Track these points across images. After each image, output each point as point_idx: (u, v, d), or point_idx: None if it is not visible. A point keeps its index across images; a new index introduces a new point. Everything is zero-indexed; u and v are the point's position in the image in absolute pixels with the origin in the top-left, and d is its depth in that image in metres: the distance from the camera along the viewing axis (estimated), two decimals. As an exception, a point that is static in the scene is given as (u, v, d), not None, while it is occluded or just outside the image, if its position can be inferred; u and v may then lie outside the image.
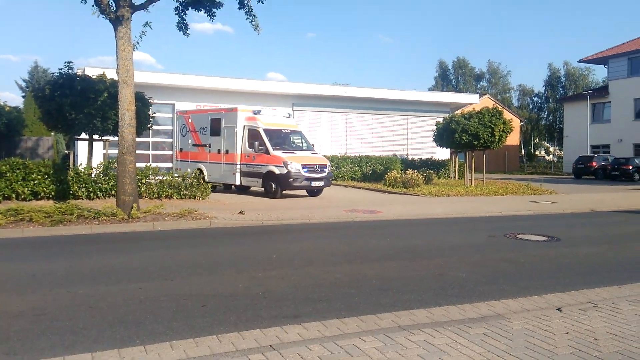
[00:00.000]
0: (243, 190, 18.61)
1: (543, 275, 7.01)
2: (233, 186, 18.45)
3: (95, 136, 15.55)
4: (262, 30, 12.53)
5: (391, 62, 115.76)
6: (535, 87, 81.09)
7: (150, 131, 22.75)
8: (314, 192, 17.57)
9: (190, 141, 19.90)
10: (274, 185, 16.54)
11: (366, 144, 30.00)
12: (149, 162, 24.58)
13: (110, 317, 4.94)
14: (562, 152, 50.56)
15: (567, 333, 4.49)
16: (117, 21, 10.92)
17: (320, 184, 17.14)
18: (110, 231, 10.04)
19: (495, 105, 24.44)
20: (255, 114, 17.78)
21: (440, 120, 23.57)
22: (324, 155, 20.13)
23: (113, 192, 14.22)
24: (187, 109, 20.99)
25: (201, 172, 18.68)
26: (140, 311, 5.12)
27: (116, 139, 12.10)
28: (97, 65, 30.32)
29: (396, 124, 31.13)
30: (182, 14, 12.45)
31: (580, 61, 48.04)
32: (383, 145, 30.26)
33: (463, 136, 20.75)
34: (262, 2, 12.10)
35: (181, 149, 20.53)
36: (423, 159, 28.56)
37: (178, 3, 12.24)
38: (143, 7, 11.50)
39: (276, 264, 7.33)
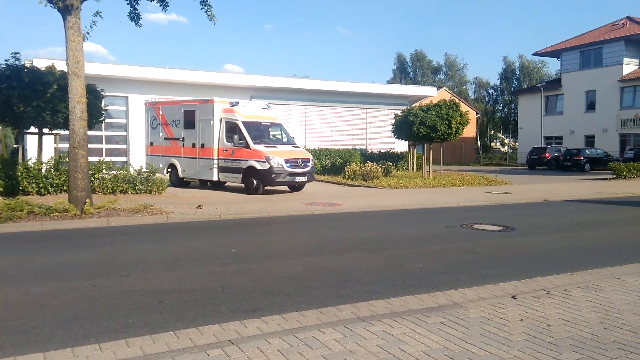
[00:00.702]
0: (219, 186, 17.79)
1: (499, 264, 7.17)
2: (209, 182, 17.68)
3: (45, 130, 14.93)
4: (218, 20, 12.29)
5: (350, 55, 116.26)
6: (491, 79, 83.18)
7: (104, 124, 22.10)
8: (295, 188, 16.86)
9: (161, 134, 18.63)
10: (255, 182, 15.70)
11: (325, 137, 30.02)
12: (102, 156, 23.85)
13: (63, 315, 4.75)
14: (517, 144, 52.12)
15: (522, 320, 4.60)
16: (65, 10, 10.46)
17: (304, 179, 16.36)
18: (62, 228, 9.67)
19: (452, 98, 24.90)
20: (233, 105, 16.79)
21: (399, 112, 23.81)
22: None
23: (65, 188, 13.68)
24: (157, 100, 19.70)
25: (174, 167, 17.98)
26: (94, 309, 4.94)
27: (67, 132, 11.64)
28: (46, 56, 29.11)
29: (355, 116, 31.28)
30: (134, 3, 12.07)
31: (534, 54, 49.42)
32: (342, 138, 30.36)
33: (421, 128, 21.03)
34: (219, -8, 11.83)
35: (151, 143, 19.18)
36: (382, 151, 28.80)
37: (130, -9, 11.84)
38: (93, -5, 11.05)
39: (235, 258, 7.22)
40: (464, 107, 31.52)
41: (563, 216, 12.46)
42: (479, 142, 62.28)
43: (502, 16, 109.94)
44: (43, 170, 14.25)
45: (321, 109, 30.36)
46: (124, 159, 25.34)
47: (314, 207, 12.85)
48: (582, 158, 33.10)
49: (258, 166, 15.54)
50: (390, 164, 25.20)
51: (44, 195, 13.83)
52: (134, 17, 12.29)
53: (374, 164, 22.09)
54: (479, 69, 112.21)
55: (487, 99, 77.32)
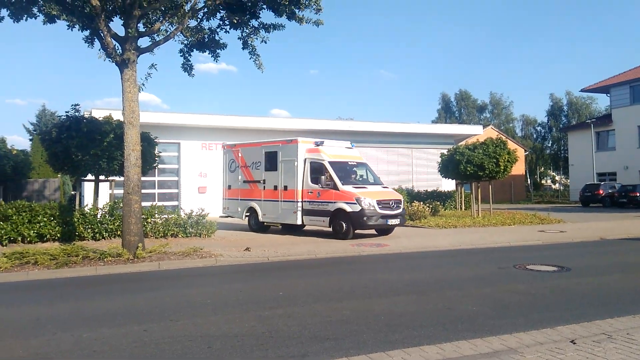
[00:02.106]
0: (298, 230, 16.99)
1: (555, 306, 6.86)
2: (293, 225, 16.59)
3: (101, 177, 15.67)
4: (266, 68, 12.75)
5: (394, 97, 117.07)
6: (538, 117, 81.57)
7: (156, 170, 22.98)
8: (384, 231, 15.79)
9: (240, 177, 17.87)
10: (344, 225, 14.74)
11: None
12: (155, 201, 24.67)
13: (114, 360, 4.86)
14: (569, 181, 50.34)
15: (583, 367, 4.36)
16: (123, 64, 11.15)
17: (396, 221, 15.31)
18: (115, 272, 9.98)
19: (499, 136, 24.53)
20: (318, 145, 16.03)
21: (445, 151, 23.63)
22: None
23: (119, 233, 14.19)
24: (236, 142, 18.94)
25: (253, 211, 17.29)
26: (144, 355, 5.03)
27: (122, 179, 12.19)
28: (103, 107, 30.78)
29: (401, 156, 31.29)
30: (187, 55, 12.74)
31: (582, 90, 48.30)
32: (388, 178, 30.18)
33: (468, 167, 20.73)
34: (265, 42, 12.36)
35: (229, 186, 18.38)
36: (429, 190, 28.50)
37: (183, 45, 12.53)
38: (149, 49, 11.76)
39: (282, 301, 7.22)
40: (511, 145, 30.91)
41: (621, 255, 11.85)
42: (528, 179, 60.58)
43: (547, 53, 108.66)
44: (98, 216, 14.87)
45: (366, 150, 30.51)
46: (175, 203, 26.15)
47: (360, 249, 12.77)
48: (638, 194, 31.61)
49: (348, 208, 14.65)
50: (438, 203, 24.86)
51: (98, 240, 14.37)
52: (187, 68, 12.94)
53: (421, 203, 21.85)
54: (525, 106, 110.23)
55: (535, 136, 75.72)
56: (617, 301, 7.13)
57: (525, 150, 55.55)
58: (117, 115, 14.84)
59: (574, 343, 5.05)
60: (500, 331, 5.58)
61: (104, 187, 19.09)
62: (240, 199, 17.83)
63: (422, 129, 32.72)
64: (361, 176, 16.33)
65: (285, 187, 16.22)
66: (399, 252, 12.55)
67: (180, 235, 15.16)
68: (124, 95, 11.21)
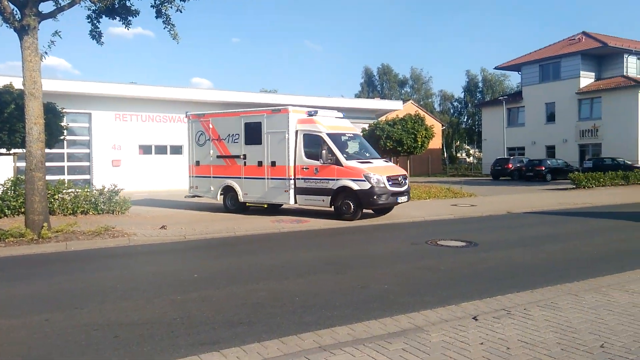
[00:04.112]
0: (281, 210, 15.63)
1: (461, 282, 7.23)
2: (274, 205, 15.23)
3: (3, 150, 14.45)
4: (182, 39, 12.17)
5: (319, 69, 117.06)
6: (455, 92, 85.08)
7: (65, 142, 21.56)
8: (386, 210, 14.79)
9: (212, 152, 15.79)
10: (352, 205, 13.55)
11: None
12: (64, 174, 23.25)
13: (10, 355, 4.53)
14: (482, 155, 53.24)
15: (482, 343, 4.62)
16: (22, 31, 10.19)
17: (405, 198, 14.35)
18: (17, 254, 9.31)
19: (417, 112, 25.32)
20: (311, 115, 14.48)
21: (366, 127, 24.03)
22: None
23: (23, 210, 13.24)
24: (205, 112, 16.99)
25: (231, 190, 15.43)
26: (45, 346, 4.75)
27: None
28: (5, 72, 28.30)
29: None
30: (95, 22, 11.85)
31: (496, 68, 50.74)
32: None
33: (388, 142, 21.28)
34: (181, 12, 11.75)
35: (197, 162, 16.26)
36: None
37: (90, 11, 11.63)
38: (51, 15, 10.81)
39: (197, 284, 7.07)
40: (429, 120, 32.00)
41: (525, 229, 12.71)
42: (445, 153, 63.33)
43: (465, 30, 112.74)
44: (-1, 192, 13.78)
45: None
46: (87, 176, 24.79)
47: (281, 225, 12.77)
48: (543, 168, 34.00)
49: (355, 186, 13.38)
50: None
51: (0, 218, 13.33)
52: (95, 35, 12.05)
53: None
54: (443, 82, 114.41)
55: (452, 111, 78.99)
56: (519, 276, 7.63)
57: (442, 125, 57.89)
58: (19, 84, 13.68)
59: (476, 319, 5.33)
60: (409, 309, 5.79)
61: (6, 161, 17.65)
62: (213, 177, 15.85)
63: (345, 103, 33.00)
64: (360, 149, 15.15)
65: (273, 163, 14.53)
66: (317, 228, 12.68)
67: (91, 213, 14.40)
68: (24, 64, 10.28)
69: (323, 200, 13.99)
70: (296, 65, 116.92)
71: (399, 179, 14.21)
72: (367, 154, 15.01)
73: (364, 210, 13.95)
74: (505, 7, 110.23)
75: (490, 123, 47.43)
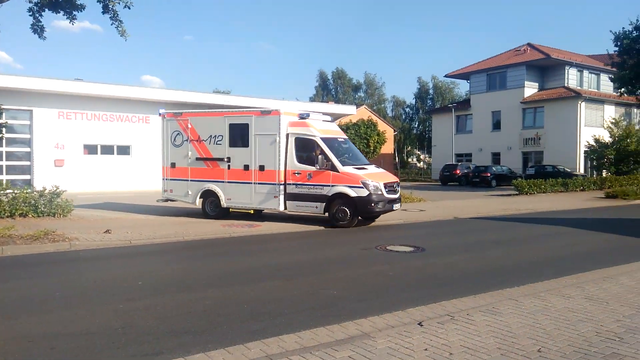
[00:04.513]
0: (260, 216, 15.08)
1: (408, 288, 7.36)
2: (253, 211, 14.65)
3: None
4: (130, 36, 11.86)
5: (274, 70, 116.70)
6: (407, 98, 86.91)
7: (4, 140, 20.55)
8: (371, 217, 14.57)
9: (190, 153, 14.90)
10: (348, 212, 13.31)
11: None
12: (2, 174, 22.18)
13: None
14: (431, 160, 54.52)
15: (426, 349, 4.71)
16: (-45, 20, 9.63)
17: (398, 205, 14.40)
18: (-54, 260, 8.76)
19: (370, 117, 25.67)
20: (304, 118, 14.04)
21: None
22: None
23: (-46, 212, 12.51)
24: (183, 111, 16.06)
25: (212, 194, 14.66)
26: (-28, 361, 4.47)
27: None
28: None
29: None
30: (37, 15, 11.36)
31: (446, 76, 52.12)
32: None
33: (340, 147, 21.38)
34: (129, 8, 11.43)
35: (173, 164, 15.28)
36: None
37: (32, 4, 11.14)
38: (-13, 6, 10.28)
39: (142, 292, 6.87)
40: (382, 125, 32.51)
41: (470, 235, 13.09)
42: (396, 158, 64.48)
43: (418, 38, 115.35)
44: None
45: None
46: (27, 177, 23.70)
47: (232, 229, 12.62)
48: (489, 175, 35.20)
49: (352, 193, 13.15)
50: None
51: None
52: (37, 29, 11.58)
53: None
54: (396, 88, 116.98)
55: (404, 116, 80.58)
56: (463, 281, 7.84)
57: (394, 130, 58.95)
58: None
59: (421, 325, 5.44)
60: (357, 315, 5.84)
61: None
62: (192, 180, 14.96)
63: (301, 106, 32.97)
64: (352, 154, 14.80)
65: (262, 167, 13.93)
66: (270, 233, 12.62)
67: (30, 215, 13.72)
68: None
69: (316, 207, 13.61)
70: (251, 66, 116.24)
71: (394, 185, 14.24)
72: (359, 160, 14.79)
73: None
74: (455, 16, 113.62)
75: (440, 129, 48.68)
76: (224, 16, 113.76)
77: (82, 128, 25.37)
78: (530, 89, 41.59)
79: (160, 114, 15.82)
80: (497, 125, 43.58)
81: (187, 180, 15.06)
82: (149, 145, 27.56)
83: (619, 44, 27.68)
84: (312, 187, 13.56)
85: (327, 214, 13.68)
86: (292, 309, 6.13)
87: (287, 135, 13.87)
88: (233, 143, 14.40)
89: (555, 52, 41.64)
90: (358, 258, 9.68)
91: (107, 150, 26.46)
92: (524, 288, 7.13)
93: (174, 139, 15.31)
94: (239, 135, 14.31)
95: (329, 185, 13.40)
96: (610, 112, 39.37)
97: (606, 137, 34.02)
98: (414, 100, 78.72)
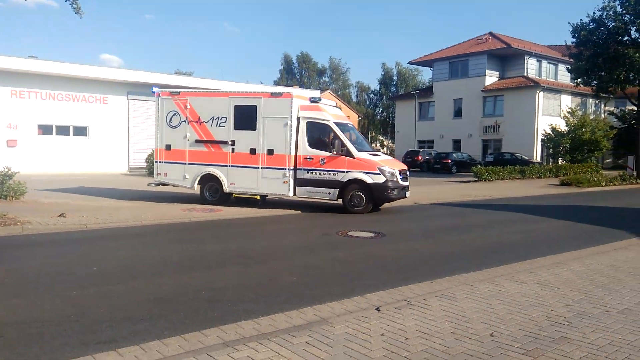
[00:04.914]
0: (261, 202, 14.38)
1: (368, 273, 7.44)
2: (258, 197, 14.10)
3: None
4: (85, 13, 11.38)
5: (237, 52, 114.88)
6: (372, 84, 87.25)
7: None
8: (378, 205, 14.32)
9: (188, 135, 14.21)
10: (364, 198, 13.35)
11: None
12: (-51, 155, 21.20)
13: None
14: (394, 146, 55.06)
15: (383, 334, 4.77)
16: None
17: (409, 193, 14.40)
18: None
19: (335, 102, 25.56)
20: (315, 102, 13.78)
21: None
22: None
23: None
24: (181, 90, 15.27)
25: (213, 179, 14.12)
26: None
27: None
28: None
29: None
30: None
31: (409, 62, 52.59)
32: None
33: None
34: (85, -16, 10.94)
35: (168, 147, 14.50)
36: (267, 152, 28.78)
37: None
38: None
39: (96, 278, 6.69)
40: (346, 111, 32.46)
41: (430, 220, 13.34)
42: (360, 143, 64.78)
43: (382, 24, 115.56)
44: None
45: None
46: (-25, 158, 22.64)
47: (192, 214, 12.43)
48: (449, 161, 35.88)
49: (368, 179, 13.17)
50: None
51: None
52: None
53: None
54: (361, 73, 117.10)
55: (368, 102, 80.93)
56: (421, 266, 7.99)
57: (358, 116, 59.17)
58: None
59: (379, 310, 5.50)
60: (316, 301, 5.86)
61: None
62: (189, 163, 14.26)
63: (266, 90, 32.60)
64: (360, 141, 14.62)
65: (270, 152, 13.50)
66: (231, 218, 12.51)
67: (-21, 198, 13.16)
68: None
69: (329, 193, 13.47)
70: (214, 47, 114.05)
71: (406, 172, 14.33)
72: (365, 146, 14.64)
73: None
74: (420, 3, 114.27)
75: (403, 116, 49.16)
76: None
77: (37, 108, 24.41)
78: (491, 78, 42.39)
79: (154, 93, 14.87)
80: (458, 113, 44.33)
81: (185, 164, 14.36)
82: (107, 126, 26.80)
83: (576, 35, 28.49)
84: (325, 172, 13.41)
85: (339, 200, 13.67)
86: (251, 295, 6.10)
87: (298, 119, 13.56)
88: (238, 125, 13.85)
89: (516, 42, 42.48)
90: (319, 244, 9.71)
91: (63, 130, 25.56)
92: (479, 273, 7.31)
93: (170, 120, 14.49)
94: (245, 118, 13.77)
95: (343, 171, 13.32)
96: (567, 101, 40.60)
97: (562, 126, 35.11)
98: (378, 86, 79.15)
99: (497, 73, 42.81)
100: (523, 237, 11.01)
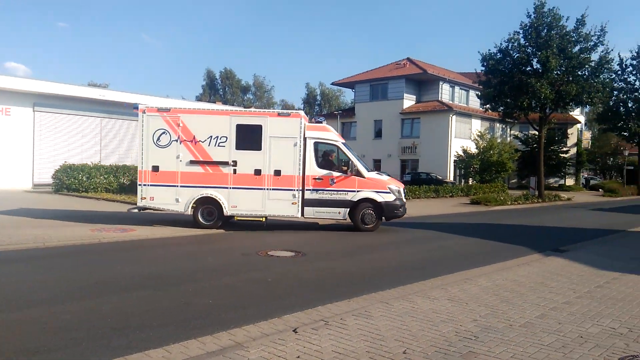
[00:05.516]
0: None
1: (286, 294, 7.36)
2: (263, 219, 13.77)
3: None
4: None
5: (158, 67, 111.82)
6: (296, 103, 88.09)
7: None
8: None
9: (181, 155, 13.35)
10: (374, 216, 13.97)
11: (124, 153, 28.13)
12: None
13: None
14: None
15: (299, 357, 4.70)
16: None
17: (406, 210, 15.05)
18: None
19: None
20: (319, 122, 14.35)
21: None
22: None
23: None
24: (172, 106, 14.45)
25: (211, 201, 13.45)
26: None
27: None
28: None
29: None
30: None
31: (332, 84, 53.62)
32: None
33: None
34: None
35: (156, 168, 13.39)
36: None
37: None
38: None
39: (-13, 307, 6.10)
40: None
41: (348, 239, 13.46)
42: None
43: (306, 44, 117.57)
44: None
45: (121, 122, 28.41)
46: None
47: (102, 234, 11.78)
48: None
49: (379, 198, 13.82)
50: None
51: None
52: None
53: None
54: (285, 92, 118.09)
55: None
56: (340, 285, 8.00)
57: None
58: None
59: (296, 332, 5.44)
60: (231, 325, 5.69)
61: None
62: (182, 186, 13.41)
63: (187, 105, 31.88)
64: (361, 160, 14.72)
65: (278, 172, 13.36)
66: (145, 239, 11.96)
67: None
68: None
69: (339, 213, 13.78)
70: (132, 59, 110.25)
71: (405, 190, 15.09)
72: (365, 165, 14.79)
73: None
74: (343, 26, 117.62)
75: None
76: (103, 4, 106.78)
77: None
78: (409, 101, 44.25)
79: (137, 109, 13.70)
80: (378, 134, 45.74)
81: (177, 186, 13.46)
82: (9, 139, 24.95)
83: (485, 64, 30.46)
84: (335, 192, 13.72)
85: (347, 219, 14.08)
86: (162, 321, 5.82)
87: (306, 139, 13.65)
88: (241, 145, 13.43)
89: (431, 68, 44.74)
90: (238, 264, 9.51)
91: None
92: (395, 291, 7.45)
93: (158, 139, 13.46)
94: (249, 137, 13.42)
95: (354, 191, 13.76)
96: (477, 125, 43.17)
97: (473, 149, 37.21)
98: (302, 105, 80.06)
99: (415, 97, 44.77)
100: (437, 254, 11.43)
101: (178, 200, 13.49)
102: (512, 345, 5.09)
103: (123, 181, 23.96)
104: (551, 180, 46.49)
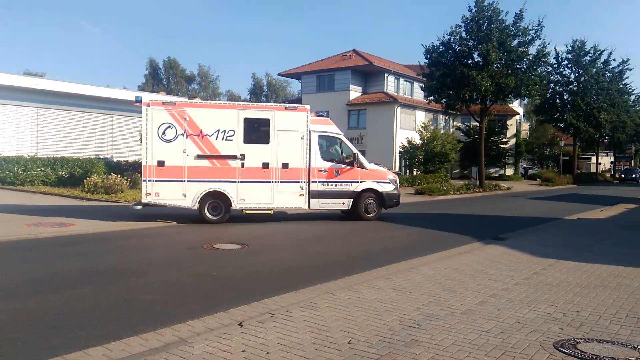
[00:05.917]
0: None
1: (232, 287, 7.31)
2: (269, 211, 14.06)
3: None
4: None
5: (97, 54, 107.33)
6: (242, 93, 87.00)
7: None
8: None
9: (187, 150, 13.22)
10: (376, 206, 14.75)
11: (62, 144, 26.92)
12: None
13: None
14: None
15: (244, 351, 4.69)
16: None
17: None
18: None
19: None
20: (321, 115, 14.68)
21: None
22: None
23: None
24: (178, 100, 14.33)
25: (219, 196, 13.44)
26: None
27: None
28: None
29: (99, 123, 28.88)
30: None
31: (279, 74, 53.24)
32: (84, 146, 27.68)
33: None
34: None
35: (161, 163, 13.13)
36: (130, 161, 27.18)
37: None
38: None
39: None
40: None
41: (297, 230, 13.54)
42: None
43: (252, 33, 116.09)
44: None
45: (59, 113, 27.12)
46: None
47: (39, 230, 11.27)
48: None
49: (380, 188, 14.67)
50: (139, 175, 23.90)
51: None
52: None
53: (119, 175, 20.63)
54: (231, 82, 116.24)
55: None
56: (286, 277, 8.02)
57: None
58: None
59: (241, 325, 5.41)
60: (175, 320, 5.59)
61: None
62: (189, 180, 13.23)
63: (124, 95, 30.82)
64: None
65: (285, 165, 13.72)
66: (85, 233, 11.55)
67: None
68: None
69: (343, 203, 14.49)
70: (71, 48, 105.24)
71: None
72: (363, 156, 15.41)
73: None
74: (288, 15, 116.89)
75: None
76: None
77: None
78: (355, 93, 44.62)
79: (139, 102, 13.34)
80: (326, 125, 45.88)
81: (183, 181, 13.28)
82: None
83: (428, 57, 31.14)
84: (340, 183, 14.38)
85: (352, 211, 14.71)
86: (103, 318, 5.65)
87: (310, 132, 14.08)
88: (248, 139, 13.60)
89: (377, 60, 45.25)
90: (182, 258, 9.35)
91: None
92: (341, 281, 7.55)
93: (163, 133, 13.19)
94: (257, 131, 13.71)
95: (357, 182, 14.52)
96: (421, 117, 44.14)
97: (417, 140, 38.06)
98: (249, 96, 79.21)
99: (360, 88, 45.18)
100: (382, 244, 11.66)
101: (185, 195, 13.35)
102: (453, 332, 5.27)
103: (62, 174, 22.93)
104: (492, 170, 48.26)
